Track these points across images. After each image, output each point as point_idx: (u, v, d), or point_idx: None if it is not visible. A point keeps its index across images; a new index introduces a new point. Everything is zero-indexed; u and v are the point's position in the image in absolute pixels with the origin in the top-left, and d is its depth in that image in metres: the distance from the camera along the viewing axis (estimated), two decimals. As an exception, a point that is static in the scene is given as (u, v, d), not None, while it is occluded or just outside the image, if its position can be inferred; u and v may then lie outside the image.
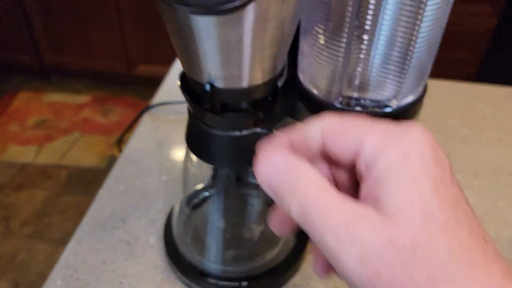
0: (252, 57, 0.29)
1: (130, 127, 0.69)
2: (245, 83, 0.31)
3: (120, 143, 0.70)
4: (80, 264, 0.46)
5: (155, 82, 2.42)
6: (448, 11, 0.35)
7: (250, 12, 0.25)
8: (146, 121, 0.65)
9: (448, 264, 0.16)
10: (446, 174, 0.18)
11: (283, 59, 0.33)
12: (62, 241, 1.47)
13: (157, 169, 0.57)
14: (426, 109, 0.66)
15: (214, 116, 0.33)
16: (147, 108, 0.66)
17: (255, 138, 0.35)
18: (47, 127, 1.94)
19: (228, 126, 0.34)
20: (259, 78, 0.32)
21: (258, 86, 0.32)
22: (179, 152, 0.59)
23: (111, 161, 1.78)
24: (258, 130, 0.34)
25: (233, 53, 0.28)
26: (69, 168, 1.75)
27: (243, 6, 0.23)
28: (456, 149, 0.61)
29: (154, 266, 0.46)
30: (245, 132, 0.34)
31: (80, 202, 1.62)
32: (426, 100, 0.68)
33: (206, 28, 0.26)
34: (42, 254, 1.44)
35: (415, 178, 0.17)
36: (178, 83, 0.34)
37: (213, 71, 0.30)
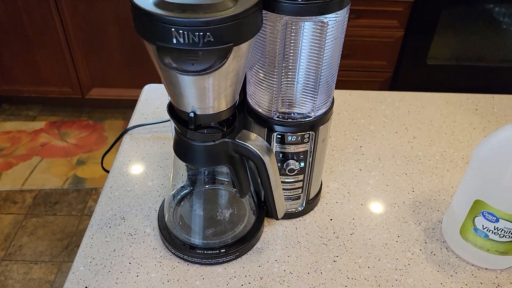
0: (219, 95, 0.46)
1: (111, 148, 0.83)
2: (215, 110, 0.48)
3: (102, 162, 0.85)
4: (96, 253, 0.61)
5: (107, 104, 2.51)
6: (340, 49, 0.54)
7: (217, 72, 0.42)
8: (127, 140, 0.80)
9: None
10: None
11: (240, 88, 0.51)
12: (35, 260, 1.55)
13: (142, 177, 0.72)
14: (344, 113, 0.87)
15: (194, 133, 0.50)
16: (126, 130, 0.81)
17: (224, 146, 0.52)
18: (5, 155, 1.98)
19: (204, 139, 0.51)
20: (224, 106, 0.49)
21: (223, 111, 0.49)
22: (159, 163, 0.75)
23: (75, 181, 1.87)
24: (225, 140, 0.52)
25: (207, 93, 0.46)
26: (33, 192, 1.82)
27: (215, 70, 0.40)
28: (366, 141, 0.81)
29: (153, 248, 0.61)
30: (217, 142, 0.51)
31: (48, 222, 1.70)
32: (344, 106, 0.89)
33: (191, 82, 0.43)
34: (16, 274, 1.51)
35: None
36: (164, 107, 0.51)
37: (195, 105, 0.47)
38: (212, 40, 0.39)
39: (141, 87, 0.95)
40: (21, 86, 2.13)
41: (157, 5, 0.39)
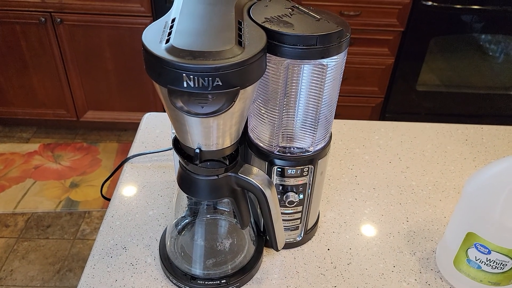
0: (224, 133, 0.49)
1: (111, 176, 0.85)
2: (220, 147, 0.51)
3: (102, 190, 0.86)
4: (97, 284, 0.61)
5: (101, 127, 2.53)
6: (338, 88, 0.57)
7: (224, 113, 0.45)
8: (127, 169, 0.81)
9: None
10: None
11: (243, 125, 0.53)
12: (26, 285, 1.53)
13: (143, 206, 0.74)
14: (339, 142, 0.90)
15: (198, 167, 0.52)
16: (126, 159, 0.83)
17: (227, 179, 0.54)
18: (-2, 177, 1.98)
19: (208, 173, 0.53)
20: (229, 142, 0.51)
21: (227, 147, 0.51)
22: (160, 192, 0.77)
23: (68, 203, 1.86)
24: (228, 174, 0.54)
25: (212, 132, 0.48)
26: (26, 215, 1.81)
27: (224, 112, 0.43)
28: (361, 170, 0.83)
29: (155, 278, 0.62)
30: (220, 176, 0.53)
31: (40, 246, 1.69)
32: (339, 135, 0.91)
33: (196, 121, 0.46)
34: (8, 300, 1.49)
35: None
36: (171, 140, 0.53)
37: (200, 141, 0.49)
38: (221, 84, 0.41)
39: (136, 110, 0.97)
40: (16, 108, 2.14)
41: (169, 51, 0.41)
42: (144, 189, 0.77)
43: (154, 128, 0.92)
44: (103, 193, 0.87)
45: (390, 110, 2.03)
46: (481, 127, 0.97)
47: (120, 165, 0.83)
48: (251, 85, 0.45)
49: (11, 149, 2.14)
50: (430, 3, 1.74)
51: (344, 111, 2.01)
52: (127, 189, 0.77)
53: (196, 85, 0.41)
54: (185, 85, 0.41)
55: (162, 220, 0.71)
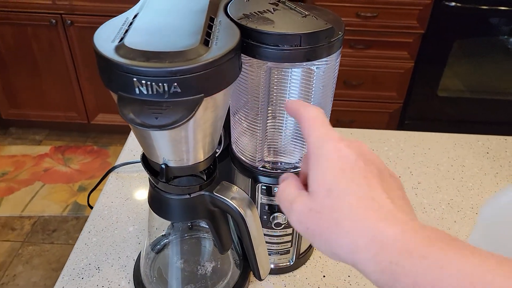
0: (194, 146, 0.42)
1: (97, 185, 0.79)
2: (190, 162, 0.44)
3: (88, 200, 0.80)
4: (64, 308, 0.56)
5: (112, 130, 2.50)
6: (332, 94, 0.49)
7: (188, 124, 0.38)
8: (112, 179, 0.76)
9: (347, 213, 0.26)
10: (364, 166, 0.28)
11: (219, 136, 0.46)
12: (28, 292, 1.50)
13: (124, 221, 0.68)
14: (344, 154, 0.81)
15: (168, 185, 0.46)
16: (113, 168, 0.77)
17: (201, 199, 0.47)
18: (8, 179, 1.97)
19: (179, 192, 0.46)
20: (201, 157, 0.44)
21: (201, 162, 0.45)
22: (143, 205, 0.71)
23: (75, 208, 1.83)
24: (203, 192, 0.47)
25: (179, 145, 0.41)
26: (32, 218, 1.79)
27: (182, 124, 0.36)
28: (367, 186, 0.75)
29: (127, 304, 0.56)
30: (193, 195, 0.47)
31: (45, 251, 1.66)
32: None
33: (159, 134, 0.39)
34: (8, 306, 1.46)
35: (328, 166, 0.28)
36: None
37: (166, 156, 0.43)
38: (179, 91, 0.35)
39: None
40: (28, 111, 2.14)
41: (118, 51, 0.35)
42: (127, 202, 0.71)
43: (146, 135, 0.86)
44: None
45: (409, 116, 1.92)
46: (504, 139, 0.88)
47: (106, 174, 0.77)
48: (220, 92, 0.38)
49: (23, 151, 2.14)
50: (453, 3, 1.63)
51: (360, 117, 1.92)
52: (109, 202, 0.71)
53: (150, 92, 0.35)
54: (137, 91, 0.35)
55: (142, 238, 0.65)
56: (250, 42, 0.41)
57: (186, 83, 0.35)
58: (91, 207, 0.79)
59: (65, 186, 1.95)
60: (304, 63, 0.42)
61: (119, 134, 2.25)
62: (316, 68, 0.43)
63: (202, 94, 0.36)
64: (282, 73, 0.44)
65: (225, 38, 0.38)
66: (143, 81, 0.34)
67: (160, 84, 0.34)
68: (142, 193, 0.73)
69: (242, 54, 0.42)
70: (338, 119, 1.91)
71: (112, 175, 0.76)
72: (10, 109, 2.13)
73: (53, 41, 1.89)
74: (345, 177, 0.28)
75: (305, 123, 0.32)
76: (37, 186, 1.94)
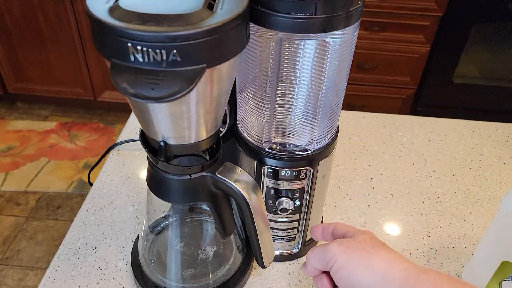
0: (195, 122, 0.38)
1: (98, 163, 0.76)
2: (192, 140, 0.41)
3: (89, 177, 0.78)
4: (58, 289, 0.53)
5: (119, 107, 2.47)
6: (347, 71, 0.45)
7: (189, 97, 0.35)
8: (113, 157, 0.73)
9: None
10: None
11: (223, 113, 0.43)
12: (32, 267, 1.50)
13: (123, 201, 0.65)
14: (356, 138, 0.78)
15: (167, 165, 0.42)
16: (114, 145, 0.74)
17: (203, 180, 0.44)
18: (13, 154, 1.96)
19: (179, 172, 0.43)
20: (204, 135, 0.41)
21: (203, 141, 0.41)
22: (144, 185, 0.68)
23: (80, 185, 1.82)
24: (204, 173, 0.44)
25: (180, 121, 0.38)
26: (37, 194, 1.78)
27: (181, 96, 0.32)
28: (378, 172, 0.72)
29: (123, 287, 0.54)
30: (194, 176, 0.43)
31: (49, 226, 1.66)
32: (356, 130, 0.80)
33: (157, 108, 0.36)
34: (11, 280, 1.46)
35: None
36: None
37: (165, 133, 0.39)
38: (179, 59, 0.31)
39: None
40: (34, 85, 2.11)
41: (113, 13, 0.31)
42: (127, 181, 0.68)
43: (150, 112, 0.83)
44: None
45: (422, 103, 1.87)
46: (526, 127, 0.83)
47: (107, 152, 0.75)
48: (225, 63, 0.34)
49: (29, 126, 2.12)
50: (474, -15, 1.56)
51: (372, 102, 1.87)
52: (109, 180, 0.68)
53: (146, 59, 0.31)
54: (132, 59, 0.31)
55: (142, 218, 0.62)
56: (260, 9, 0.37)
57: (186, 50, 0.31)
58: (91, 185, 0.77)
59: (70, 162, 1.93)
60: (319, 35, 0.38)
61: (126, 112, 2.21)
62: (332, 40, 0.39)
63: (204, 64, 0.32)
64: (294, 45, 0.40)
65: (232, 2, 0.34)
66: (139, 47, 0.31)
67: (157, 50, 0.31)
68: (143, 172, 0.70)
69: (250, 23, 0.38)
70: (349, 103, 1.86)
71: (113, 153, 0.74)
72: (16, 83, 2.10)
73: (60, 14, 1.85)
74: None
75: None
76: (43, 162, 1.93)
